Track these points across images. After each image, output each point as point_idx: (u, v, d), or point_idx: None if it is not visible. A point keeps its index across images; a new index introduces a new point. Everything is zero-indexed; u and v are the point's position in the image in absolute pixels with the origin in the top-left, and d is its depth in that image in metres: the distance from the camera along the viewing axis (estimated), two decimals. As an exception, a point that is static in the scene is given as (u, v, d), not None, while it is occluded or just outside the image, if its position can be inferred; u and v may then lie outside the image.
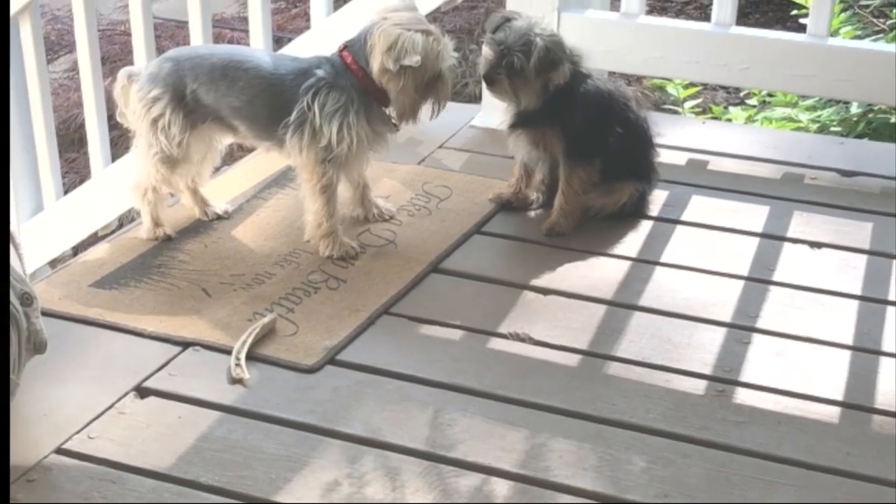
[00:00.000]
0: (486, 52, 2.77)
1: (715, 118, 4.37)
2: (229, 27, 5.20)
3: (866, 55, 3.24)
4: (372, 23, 2.64)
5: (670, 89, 4.49)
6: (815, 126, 4.09)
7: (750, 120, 4.28)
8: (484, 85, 2.83)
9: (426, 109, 2.70)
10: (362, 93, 2.67)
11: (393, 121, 2.73)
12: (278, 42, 3.98)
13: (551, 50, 2.71)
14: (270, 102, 2.70)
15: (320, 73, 2.68)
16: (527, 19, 2.77)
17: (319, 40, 3.45)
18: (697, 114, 4.47)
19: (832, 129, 4.09)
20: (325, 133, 2.65)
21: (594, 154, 2.85)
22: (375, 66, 2.61)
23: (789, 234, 2.88)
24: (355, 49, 2.68)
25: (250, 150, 3.23)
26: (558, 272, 2.72)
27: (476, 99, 4.17)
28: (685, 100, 4.47)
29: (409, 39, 2.56)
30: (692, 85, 4.48)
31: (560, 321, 2.51)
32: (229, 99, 2.70)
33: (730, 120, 4.33)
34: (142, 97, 2.74)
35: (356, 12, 3.42)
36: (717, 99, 4.86)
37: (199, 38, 3.43)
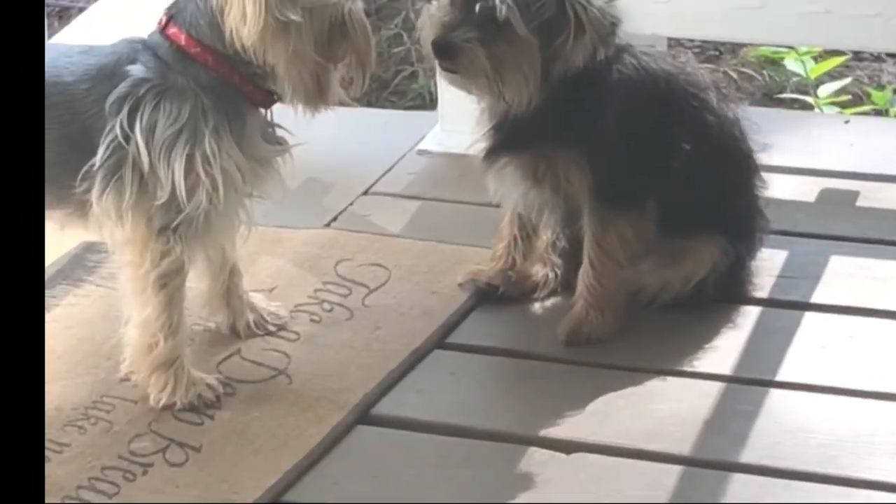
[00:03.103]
0: (437, 4, 2.13)
1: (877, 111, 3.49)
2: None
3: None
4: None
5: (791, 63, 3.59)
6: None
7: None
8: (437, 64, 2.13)
9: (338, 80, 2.10)
10: (217, 92, 2.08)
11: (282, 132, 2.14)
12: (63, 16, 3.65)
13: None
14: (56, 136, 2.06)
15: (136, 70, 2.08)
16: None
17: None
18: (842, 106, 3.60)
19: None
20: (161, 178, 2.08)
21: (643, 193, 2.20)
22: (242, 34, 2.01)
23: None
24: (188, 18, 2.07)
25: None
26: (589, 413, 2.07)
27: (428, 103, 3.41)
28: (819, 82, 3.59)
29: None
30: (827, 55, 3.64)
31: (595, 495, 1.92)
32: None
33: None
34: None
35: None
36: (883, 77, 3.97)
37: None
